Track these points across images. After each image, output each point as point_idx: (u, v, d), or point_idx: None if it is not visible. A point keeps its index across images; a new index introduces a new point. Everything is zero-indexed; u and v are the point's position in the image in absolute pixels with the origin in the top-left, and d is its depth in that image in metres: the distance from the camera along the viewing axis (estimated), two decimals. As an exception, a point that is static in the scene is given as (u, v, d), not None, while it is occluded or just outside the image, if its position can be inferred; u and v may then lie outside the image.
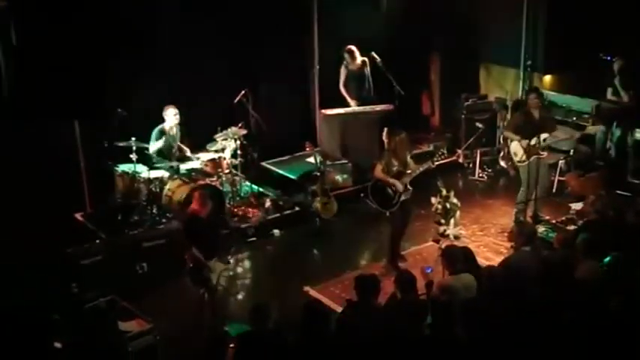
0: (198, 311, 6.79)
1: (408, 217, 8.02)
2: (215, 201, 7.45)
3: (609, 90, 9.71)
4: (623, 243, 6.25)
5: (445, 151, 7.98)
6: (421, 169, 7.74)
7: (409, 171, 7.68)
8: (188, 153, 9.16)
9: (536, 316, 5.19)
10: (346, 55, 10.41)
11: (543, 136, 8.31)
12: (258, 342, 5.21)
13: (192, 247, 6.55)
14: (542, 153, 8.38)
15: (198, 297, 6.78)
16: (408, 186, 7.71)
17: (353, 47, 10.43)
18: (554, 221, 8.53)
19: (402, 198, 7.70)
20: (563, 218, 8.55)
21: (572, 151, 9.92)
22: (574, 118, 9.42)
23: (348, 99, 10.61)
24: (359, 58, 10.43)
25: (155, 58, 9.02)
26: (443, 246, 8.02)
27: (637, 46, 9.54)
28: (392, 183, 7.63)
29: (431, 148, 10.97)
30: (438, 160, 7.80)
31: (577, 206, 8.66)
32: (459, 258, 6.13)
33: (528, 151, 8.37)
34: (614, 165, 9.62)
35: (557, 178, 9.80)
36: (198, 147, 9.25)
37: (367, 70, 10.45)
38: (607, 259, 5.72)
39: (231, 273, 7.81)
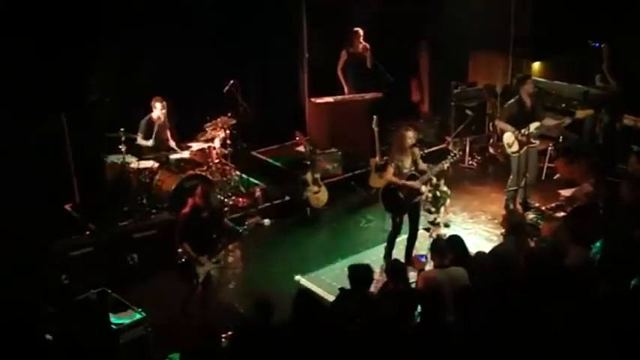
0: (189, 302, 6.79)
1: (417, 220, 7.77)
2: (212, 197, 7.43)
3: (597, 76, 9.73)
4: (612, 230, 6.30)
5: (458, 153, 7.86)
6: (435, 170, 7.51)
7: (421, 172, 7.40)
8: (173, 145, 9.10)
9: (525, 306, 5.22)
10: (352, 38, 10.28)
11: (534, 125, 8.29)
12: (259, 337, 5.19)
13: (184, 242, 6.54)
14: (533, 142, 8.38)
15: (188, 288, 6.78)
16: (421, 189, 7.52)
17: (359, 29, 10.32)
18: (543, 208, 8.56)
19: (414, 201, 7.50)
20: (553, 205, 8.56)
21: (560, 137, 9.94)
22: (563, 105, 9.47)
23: (344, 84, 10.52)
24: (362, 43, 10.33)
25: (143, 46, 8.95)
26: (433, 234, 8.09)
27: (625, 32, 9.56)
28: (408, 185, 7.32)
29: (420, 135, 10.96)
30: (450, 162, 7.61)
31: (566, 192, 8.67)
32: (445, 250, 6.03)
33: (521, 141, 8.36)
34: (603, 151, 9.65)
35: (546, 164, 9.83)
36: (188, 137, 9.20)
37: (368, 57, 10.31)
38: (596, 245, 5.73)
39: (222, 263, 7.80)
